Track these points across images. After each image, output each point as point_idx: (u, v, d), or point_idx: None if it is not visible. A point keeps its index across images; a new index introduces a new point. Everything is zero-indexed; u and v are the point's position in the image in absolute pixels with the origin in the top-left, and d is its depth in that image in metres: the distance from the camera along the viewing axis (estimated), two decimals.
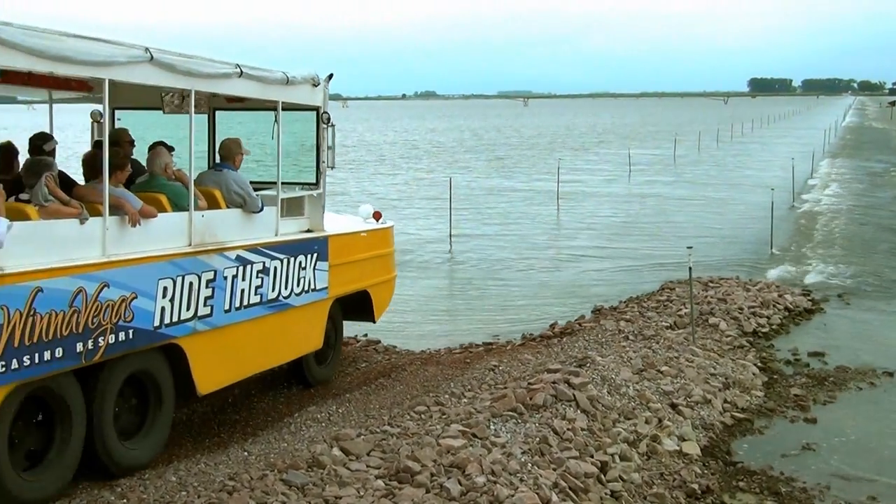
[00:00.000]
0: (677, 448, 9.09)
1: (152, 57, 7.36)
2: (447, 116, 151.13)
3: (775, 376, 12.11)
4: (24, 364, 6.45)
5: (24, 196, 7.21)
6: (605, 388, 9.84)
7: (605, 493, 7.78)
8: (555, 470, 7.68)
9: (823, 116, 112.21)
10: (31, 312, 6.45)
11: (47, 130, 8.47)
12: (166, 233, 7.91)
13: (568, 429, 8.54)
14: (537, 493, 7.01)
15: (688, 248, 13.28)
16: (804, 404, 10.96)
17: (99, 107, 9.44)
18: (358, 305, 11.19)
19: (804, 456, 9.49)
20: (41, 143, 8.02)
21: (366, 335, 13.30)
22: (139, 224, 7.57)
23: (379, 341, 13.02)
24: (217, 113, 10.75)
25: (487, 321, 15.27)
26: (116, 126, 9.45)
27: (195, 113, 8.33)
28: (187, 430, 9.54)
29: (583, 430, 8.65)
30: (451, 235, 23.62)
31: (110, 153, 7.51)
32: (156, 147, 8.75)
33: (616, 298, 16.36)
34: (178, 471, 7.66)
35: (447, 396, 9.84)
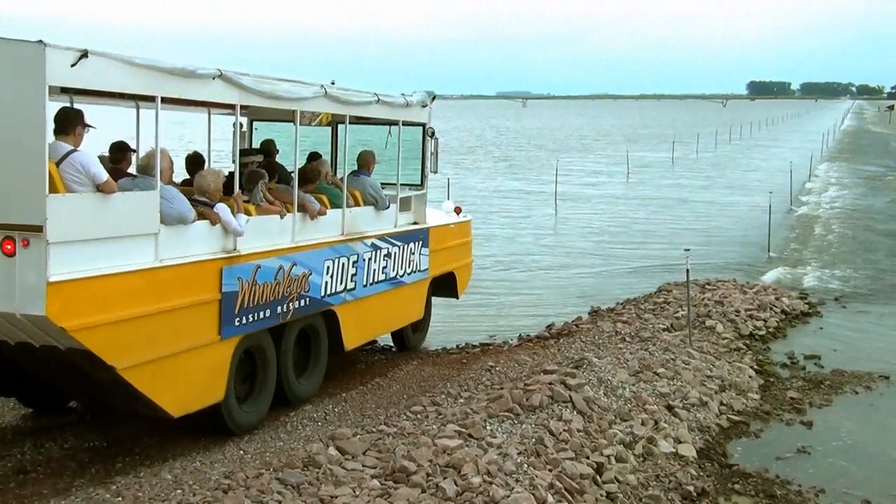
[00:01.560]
0: (673, 450, 9.09)
1: (326, 92, 9.79)
2: (446, 118, 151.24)
3: (771, 379, 12.12)
4: (249, 320, 8.74)
5: (244, 197, 9.12)
6: (601, 390, 9.85)
7: (601, 495, 7.77)
8: (551, 471, 7.68)
9: (822, 120, 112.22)
10: (254, 283, 8.76)
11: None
12: (328, 225, 10.25)
13: (564, 430, 8.54)
14: (533, 494, 7.00)
15: (685, 250, 13.29)
16: (800, 407, 10.97)
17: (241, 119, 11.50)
18: (444, 284, 13.33)
19: (800, 459, 9.50)
20: (252, 156, 10.20)
21: None
22: (315, 219, 9.91)
23: (376, 341, 13.02)
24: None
25: (484, 322, 15.28)
26: (249, 133, 11.93)
27: (320, 126, 10.74)
28: (183, 428, 9.53)
29: (579, 431, 8.65)
30: None
31: (306, 170, 10.31)
32: (318, 158, 11.19)
33: (613, 300, 16.36)
34: (174, 469, 7.66)
35: (443, 397, 9.84)
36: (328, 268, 10.05)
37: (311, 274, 9.69)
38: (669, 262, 20.07)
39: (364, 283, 10.82)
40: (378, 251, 11.12)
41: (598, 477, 8.01)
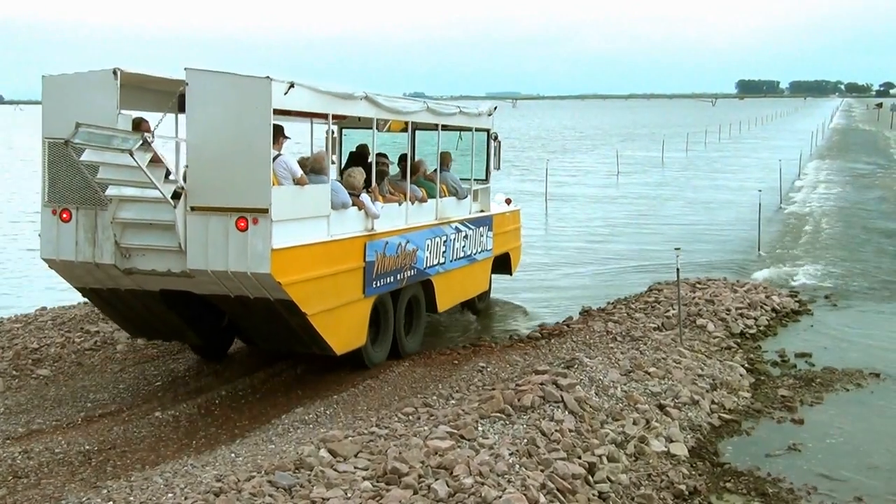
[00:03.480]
0: (665, 449, 9.09)
1: (428, 107, 12.53)
2: None
3: (762, 377, 12.14)
4: (381, 284, 11.35)
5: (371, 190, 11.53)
6: (592, 390, 9.85)
7: (593, 495, 7.78)
8: (542, 471, 7.68)
9: (811, 118, 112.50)
10: (385, 255, 11.37)
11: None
12: (427, 211, 12.85)
13: (556, 430, 8.53)
14: (525, 495, 6.99)
15: (676, 249, 13.29)
16: (791, 405, 10.98)
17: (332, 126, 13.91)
18: (501, 263, 15.91)
19: (791, 457, 9.52)
20: (379, 157, 12.34)
21: None
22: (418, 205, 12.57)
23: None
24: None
25: (475, 322, 15.28)
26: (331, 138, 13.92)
27: (390, 132, 12.80)
28: (174, 431, 9.51)
29: (570, 431, 8.64)
30: None
31: (412, 166, 12.80)
32: (418, 160, 13.51)
33: (604, 300, 16.36)
34: (165, 472, 7.63)
35: (435, 398, 9.84)
36: (428, 245, 12.63)
37: (417, 250, 12.27)
38: (660, 261, 20.09)
39: (451, 258, 13.40)
40: (459, 233, 13.71)
41: (590, 477, 8.00)
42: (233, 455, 8.20)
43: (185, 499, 6.70)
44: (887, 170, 46.28)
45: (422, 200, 12.66)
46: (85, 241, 9.79)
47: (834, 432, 10.22)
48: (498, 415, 8.71)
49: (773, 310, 15.40)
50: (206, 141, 9.32)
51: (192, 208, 9.40)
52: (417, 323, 12.79)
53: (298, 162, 10.59)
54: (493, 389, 9.61)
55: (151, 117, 10.02)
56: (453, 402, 9.60)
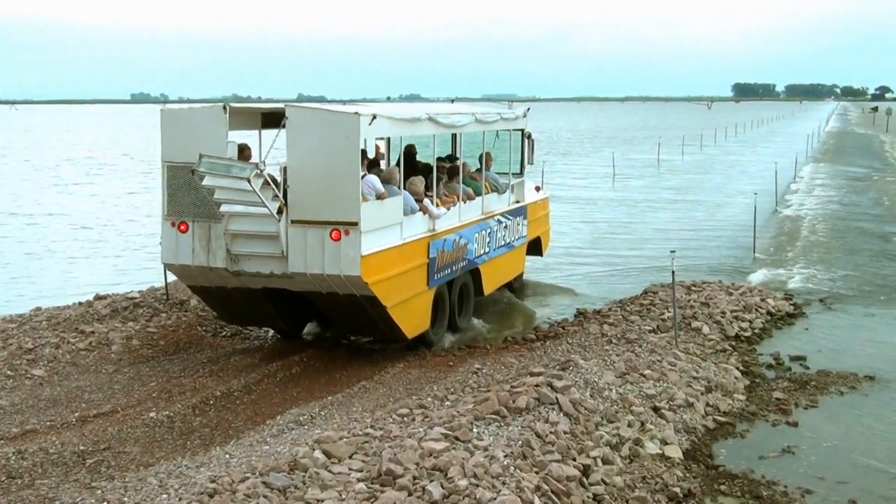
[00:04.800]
0: (659, 451, 9.10)
1: (476, 119, 14.20)
2: None
3: (757, 380, 12.16)
4: (441, 276, 12.96)
5: (429, 193, 13.23)
6: (587, 392, 9.85)
7: (588, 497, 7.79)
8: (537, 473, 7.68)
9: (806, 121, 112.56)
10: (444, 250, 12.96)
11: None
12: (475, 208, 14.37)
13: (550, 432, 8.54)
14: (520, 497, 7.00)
15: (671, 251, 13.31)
16: (786, 408, 11.00)
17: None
18: (532, 246, 17.73)
19: (786, 459, 9.53)
20: (439, 163, 14.10)
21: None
22: (467, 203, 13.99)
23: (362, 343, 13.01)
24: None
25: (471, 323, 15.26)
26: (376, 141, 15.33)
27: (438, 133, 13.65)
28: (168, 432, 9.50)
29: (565, 433, 8.65)
30: None
31: (456, 168, 14.15)
32: (463, 161, 14.67)
33: (599, 302, 16.38)
34: (159, 473, 7.62)
35: (430, 399, 9.82)
36: (476, 238, 14.19)
37: (468, 243, 13.87)
38: (655, 263, 20.12)
39: (494, 247, 15.03)
40: (501, 224, 15.30)
41: (584, 479, 8.02)
42: (227, 456, 8.19)
43: (180, 500, 6.69)
44: (882, 173, 46.34)
45: (470, 199, 14.08)
46: (200, 248, 11.58)
47: (828, 435, 10.24)
48: (493, 416, 8.71)
49: (768, 313, 15.42)
50: (304, 165, 10.98)
51: (293, 221, 11.14)
52: (467, 305, 14.44)
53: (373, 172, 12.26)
54: (488, 391, 9.61)
55: (241, 135, 11.87)
56: (448, 403, 9.60)
